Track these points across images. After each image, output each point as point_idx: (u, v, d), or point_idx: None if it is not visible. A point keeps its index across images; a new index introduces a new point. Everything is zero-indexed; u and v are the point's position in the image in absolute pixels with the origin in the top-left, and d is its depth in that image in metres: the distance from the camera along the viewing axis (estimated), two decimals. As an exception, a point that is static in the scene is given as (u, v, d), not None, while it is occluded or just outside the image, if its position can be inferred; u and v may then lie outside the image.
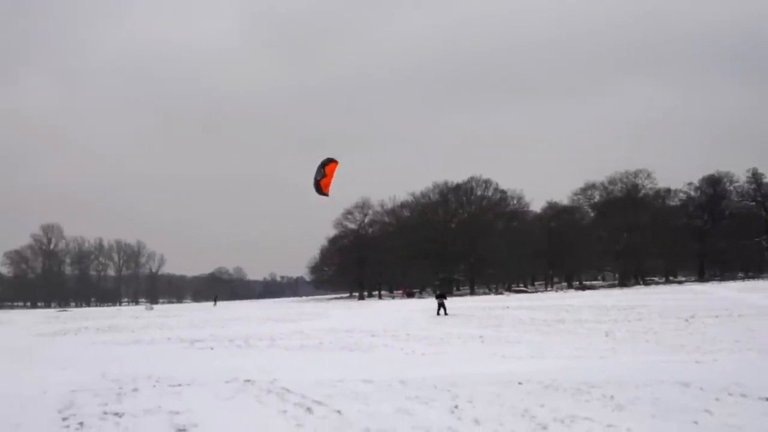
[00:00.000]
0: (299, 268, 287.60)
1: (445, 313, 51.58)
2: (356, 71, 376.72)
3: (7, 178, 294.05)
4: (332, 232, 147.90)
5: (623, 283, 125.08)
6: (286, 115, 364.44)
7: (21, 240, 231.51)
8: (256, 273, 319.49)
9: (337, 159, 25.73)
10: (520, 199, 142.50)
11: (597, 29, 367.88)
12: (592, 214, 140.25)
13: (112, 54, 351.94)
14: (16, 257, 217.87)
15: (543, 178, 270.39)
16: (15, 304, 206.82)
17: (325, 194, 25.59)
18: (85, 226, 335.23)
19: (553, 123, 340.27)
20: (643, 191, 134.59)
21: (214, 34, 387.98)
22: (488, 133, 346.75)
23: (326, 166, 25.45)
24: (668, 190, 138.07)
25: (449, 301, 55.16)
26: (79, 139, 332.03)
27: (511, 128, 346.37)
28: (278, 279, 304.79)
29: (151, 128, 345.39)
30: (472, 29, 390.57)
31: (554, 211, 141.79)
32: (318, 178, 25.40)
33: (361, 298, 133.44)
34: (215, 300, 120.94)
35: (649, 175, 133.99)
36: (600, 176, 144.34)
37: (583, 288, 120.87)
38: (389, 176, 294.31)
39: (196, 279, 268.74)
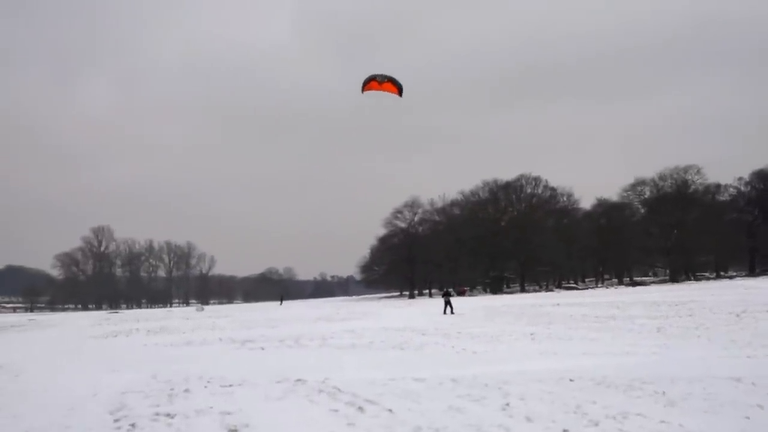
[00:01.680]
0: (349, 267, 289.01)
1: (452, 312, 52.06)
2: (408, 72, 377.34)
3: (58, 181, 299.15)
4: (382, 231, 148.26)
5: (674, 279, 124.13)
6: (338, 116, 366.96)
7: (72, 242, 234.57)
8: (306, 273, 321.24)
9: (402, 93, 25.67)
10: (569, 196, 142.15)
11: (649, 28, 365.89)
12: (642, 211, 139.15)
13: (170, 55, 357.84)
14: (67, 260, 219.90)
15: (593, 175, 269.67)
16: (66, 306, 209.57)
17: (363, 91, 25.48)
18: (136, 228, 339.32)
19: (602, 120, 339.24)
20: (693, 187, 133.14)
21: (273, 35, 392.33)
22: (538, 131, 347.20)
23: (390, 82, 25.35)
24: (718, 186, 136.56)
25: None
26: (131, 141, 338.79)
27: (560, 126, 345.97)
28: (328, 279, 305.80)
29: (204, 128, 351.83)
30: (523, 30, 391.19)
31: (604, 207, 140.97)
32: (375, 78, 25.26)
33: (412, 296, 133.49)
34: (281, 299, 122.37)
35: (698, 171, 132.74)
36: (650, 172, 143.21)
37: (634, 284, 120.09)
38: (438, 175, 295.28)
39: (247, 279, 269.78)
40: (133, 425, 13.25)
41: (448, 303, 53.82)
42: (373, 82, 25.46)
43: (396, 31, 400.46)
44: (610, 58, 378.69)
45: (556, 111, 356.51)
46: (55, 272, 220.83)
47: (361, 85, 25.90)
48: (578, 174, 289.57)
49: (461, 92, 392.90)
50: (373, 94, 26.19)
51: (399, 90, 25.75)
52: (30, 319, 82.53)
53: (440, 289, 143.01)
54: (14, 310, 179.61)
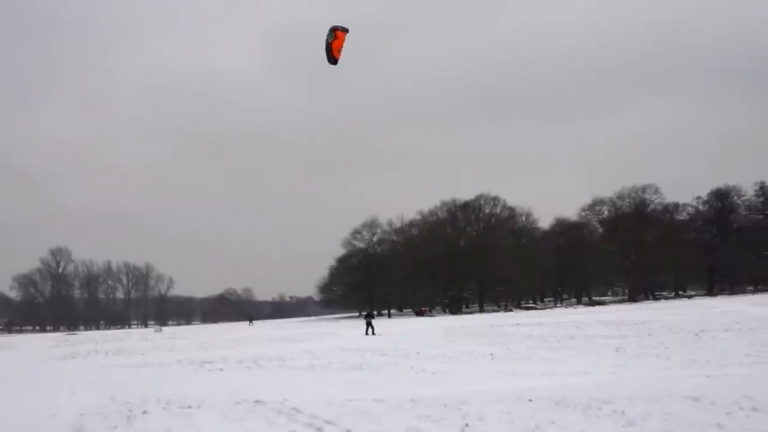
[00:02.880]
0: (308, 288, 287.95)
1: (373, 333, 53.41)
2: (368, 93, 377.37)
3: (16, 202, 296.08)
4: (341, 251, 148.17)
5: (633, 298, 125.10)
6: (299, 138, 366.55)
7: (30, 264, 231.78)
8: (264, 294, 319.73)
9: (348, 29, 25.23)
10: (528, 216, 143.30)
11: (605, 47, 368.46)
12: (600, 230, 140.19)
13: (132, 78, 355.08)
14: (25, 281, 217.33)
15: (551, 195, 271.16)
16: (24, 328, 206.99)
17: (336, 59, 25.03)
18: (94, 249, 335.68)
19: (560, 140, 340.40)
20: (651, 206, 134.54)
21: (236, 58, 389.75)
22: (496, 151, 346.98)
23: (336, 31, 25.01)
24: (676, 205, 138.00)
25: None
26: (92, 163, 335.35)
27: (518, 146, 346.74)
28: (287, 299, 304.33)
29: (164, 150, 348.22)
30: (482, 51, 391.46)
31: (562, 227, 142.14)
32: (330, 41, 24.91)
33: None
34: (250, 320, 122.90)
35: (657, 190, 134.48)
36: (608, 192, 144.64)
37: (593, 304, 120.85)
38: (397, 195, 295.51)
39: (205, 300, 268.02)
40: (89, 448, 13.08)
41: (369, 324, 55.66)
42: (333, 43, 25.02)
43: (357, 52, 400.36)
44: (571, 79, 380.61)
45: (516, 132, 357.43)
46: (13, 294, 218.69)
47: (327, 57, 25.32)
48: (539, 194, 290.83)
49: (423, 113, 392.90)
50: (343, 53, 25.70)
51: (345, 30, 25.44)
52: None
53: (399, 309, 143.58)
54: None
